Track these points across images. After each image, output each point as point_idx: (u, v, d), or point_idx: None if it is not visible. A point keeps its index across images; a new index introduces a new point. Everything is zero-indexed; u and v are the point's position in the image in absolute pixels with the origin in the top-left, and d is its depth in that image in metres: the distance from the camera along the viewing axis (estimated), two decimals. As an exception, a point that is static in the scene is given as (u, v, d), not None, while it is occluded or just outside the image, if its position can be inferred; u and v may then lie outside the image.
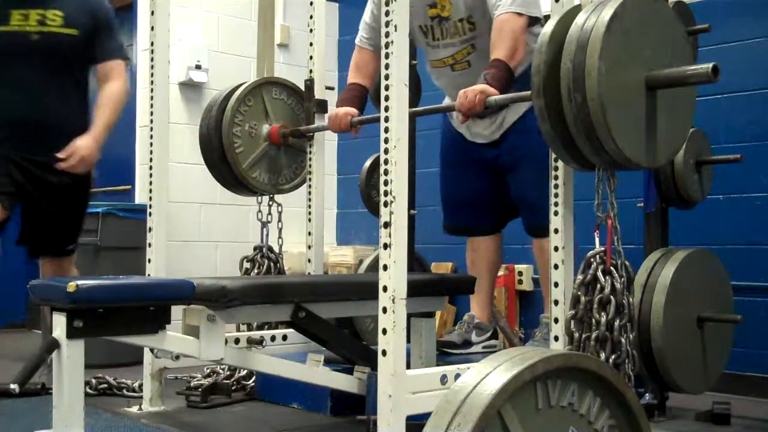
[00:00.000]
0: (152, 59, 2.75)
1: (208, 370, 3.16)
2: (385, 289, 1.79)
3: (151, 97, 2.74)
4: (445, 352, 2.86)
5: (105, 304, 1.81)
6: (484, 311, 3.07)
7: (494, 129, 2.83)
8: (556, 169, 2.19)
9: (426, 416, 1.38)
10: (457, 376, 1.89)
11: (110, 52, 2.88)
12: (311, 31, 3.16)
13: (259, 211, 3.21)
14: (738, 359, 2.96)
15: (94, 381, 3.05)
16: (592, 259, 2.05)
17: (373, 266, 3.08)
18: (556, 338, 2.15)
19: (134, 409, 2.75)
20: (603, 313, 2.01)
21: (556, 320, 2.15)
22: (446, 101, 2.98)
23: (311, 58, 3.15)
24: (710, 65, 1.89)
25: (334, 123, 2.87)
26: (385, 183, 1.80)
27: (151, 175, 2.75)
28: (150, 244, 2.67)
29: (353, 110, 2.87)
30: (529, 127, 2.51)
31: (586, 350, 2.00)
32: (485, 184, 2.94)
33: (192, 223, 4.45)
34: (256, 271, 3.13)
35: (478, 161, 2.92)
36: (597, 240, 2.08)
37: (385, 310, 1.78)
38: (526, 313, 4.07)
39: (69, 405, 1.79)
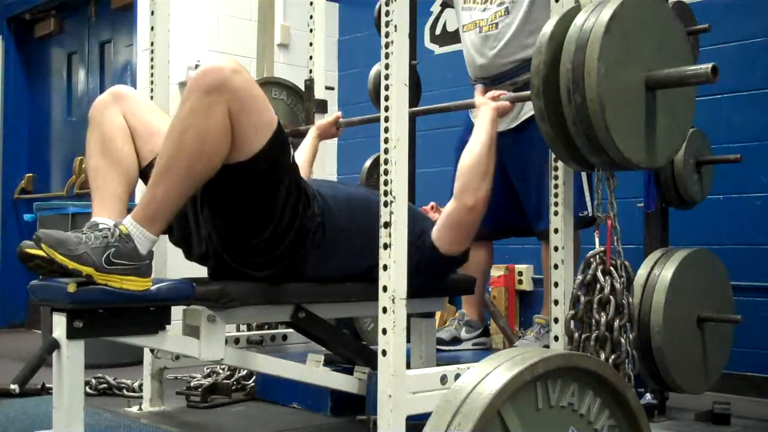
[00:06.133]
0: (152, 59, 2.75)
1: (208, 370, 3.17)
2: (385, 289, 1.79)
3: (151, 97, 2.74)
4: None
5: (105, 304, 1.81)
6: (475, 309, 3.07)
7: (512, 116, 2.77)
8: (556, 169, 2.19)
9: (426, 416, 1.38)
10: (457, 376, 1.89)
11: None
12: (311, 31, 3.16)
13: (259, 211, 3.21)
14: (738, 359, 2.96)
15: (94, 381, 3.05)
16: (591, 260, 2.05)
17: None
18: (556, 338, 2.15)
19: (134, 409, 2.75)
20: (603, 314, 2.01)
21: (556, 320, 2.15)
22: (469, 68, 2.95)
23: (311, 58, 3.15)
24: (710, 65, 1.89)
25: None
26: (385, 183, 1.80)
27: (151, 175, 2.75)
28: (150, 244, 2.66)
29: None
30: None
31: (586, 350, 2.00)
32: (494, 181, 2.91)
33: (192, 223, 4.44)
34: (256, 271, 3.13)
35: None
36: (597, 240, 2.08)
37: (385, 310, 1.78)
38: (526, 313, 4.07)
39: (69, 405, 1.79)
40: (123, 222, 1.85)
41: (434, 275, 2.29)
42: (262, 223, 2.01)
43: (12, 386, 1.77)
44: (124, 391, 3.03)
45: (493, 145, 2.25)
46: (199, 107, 1.84)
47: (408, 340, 2.08)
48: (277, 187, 2.00)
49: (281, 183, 2.00)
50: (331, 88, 3.33)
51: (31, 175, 5.72)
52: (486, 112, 2.31)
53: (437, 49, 4.64)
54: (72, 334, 1.78)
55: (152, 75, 2.75)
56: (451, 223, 2.21)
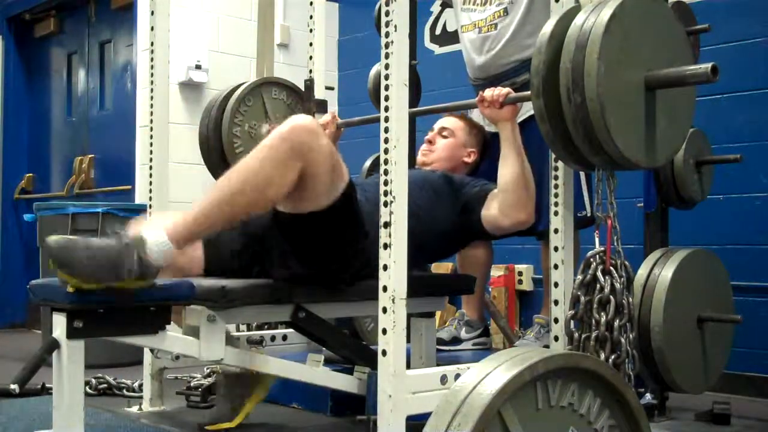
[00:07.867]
0: (152, 59, 2.75)
1: (208, 370, 3.17)
2: (385, 289, 1.79)
3: (151, 97, 2.74)
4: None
5: (105, 304, 1.81)
6: (475, 309, 3.07)
7: None
8: (556, 169, 2.19)
9: (426, 416, 1.38)
10: (457, 376, 1.89)
11: None
12: (311, 31, 3.16)
13: (259, 211, 3.20)
14: (738, 359, 2.96)
15: (94, 381, 3.05)
16: (591, 260, 2.05)
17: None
18: (556, 338, 2.15)
19: (134, 409, 2.75)
20: (603, 313, 2.01)
21: (556, 320, 2.15)
22: (468, 69, 2.95)
23: (311, 58, 3.15)
24: (709, 65, 1.89)
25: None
26: (385, 183, 1.79)
27: (151, 175, 2.76)
28: (150, 244, 2.66)
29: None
30: None
31: (586, 350, 2.00)
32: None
33: (192, 223, 4.43)
34: (256, 271, 3.13)
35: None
36: (597, 240, 2.08)
37: (385, 310, 1.78)
38: (526, 313, 4.07)
39: (69, 405, 1.79)
40: (147, 233, 1.81)
41: (470, 237, 2.61)
42: (336, 263, 2.17)
43: (12, 386, 1.77)
44: (124, 391, 3.03)
45: (525, 157, 2.40)
46: (277, 159, 1.92)
47: (408, 340, 2.08)
48: (352, 233, 2.13)
49: (354, 228, 2.13)
50: (331, 88, 3.33)
51: (31, 175, 5.73)
52: (506, 128, 2.41)
53: (437, 49, 4.64)
54: (72, 334, 1.78)
55: (152, 75, 2.75)
56: (500, 228, 2.44)
